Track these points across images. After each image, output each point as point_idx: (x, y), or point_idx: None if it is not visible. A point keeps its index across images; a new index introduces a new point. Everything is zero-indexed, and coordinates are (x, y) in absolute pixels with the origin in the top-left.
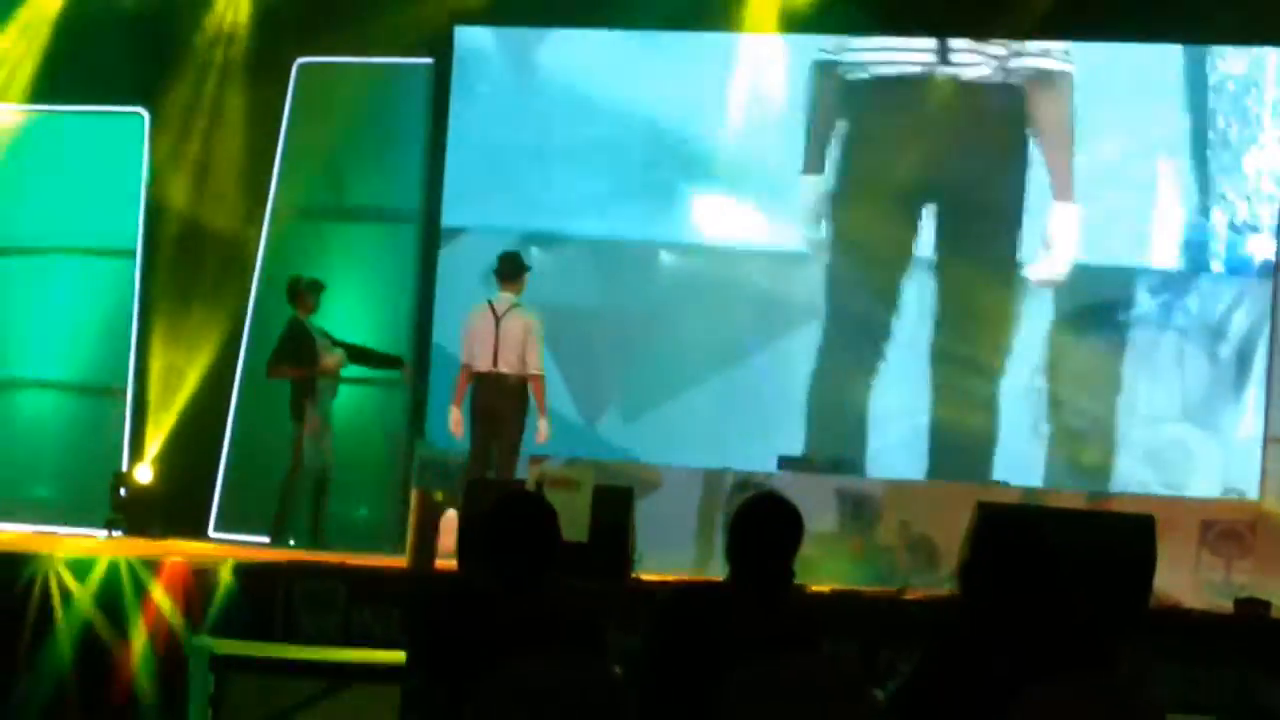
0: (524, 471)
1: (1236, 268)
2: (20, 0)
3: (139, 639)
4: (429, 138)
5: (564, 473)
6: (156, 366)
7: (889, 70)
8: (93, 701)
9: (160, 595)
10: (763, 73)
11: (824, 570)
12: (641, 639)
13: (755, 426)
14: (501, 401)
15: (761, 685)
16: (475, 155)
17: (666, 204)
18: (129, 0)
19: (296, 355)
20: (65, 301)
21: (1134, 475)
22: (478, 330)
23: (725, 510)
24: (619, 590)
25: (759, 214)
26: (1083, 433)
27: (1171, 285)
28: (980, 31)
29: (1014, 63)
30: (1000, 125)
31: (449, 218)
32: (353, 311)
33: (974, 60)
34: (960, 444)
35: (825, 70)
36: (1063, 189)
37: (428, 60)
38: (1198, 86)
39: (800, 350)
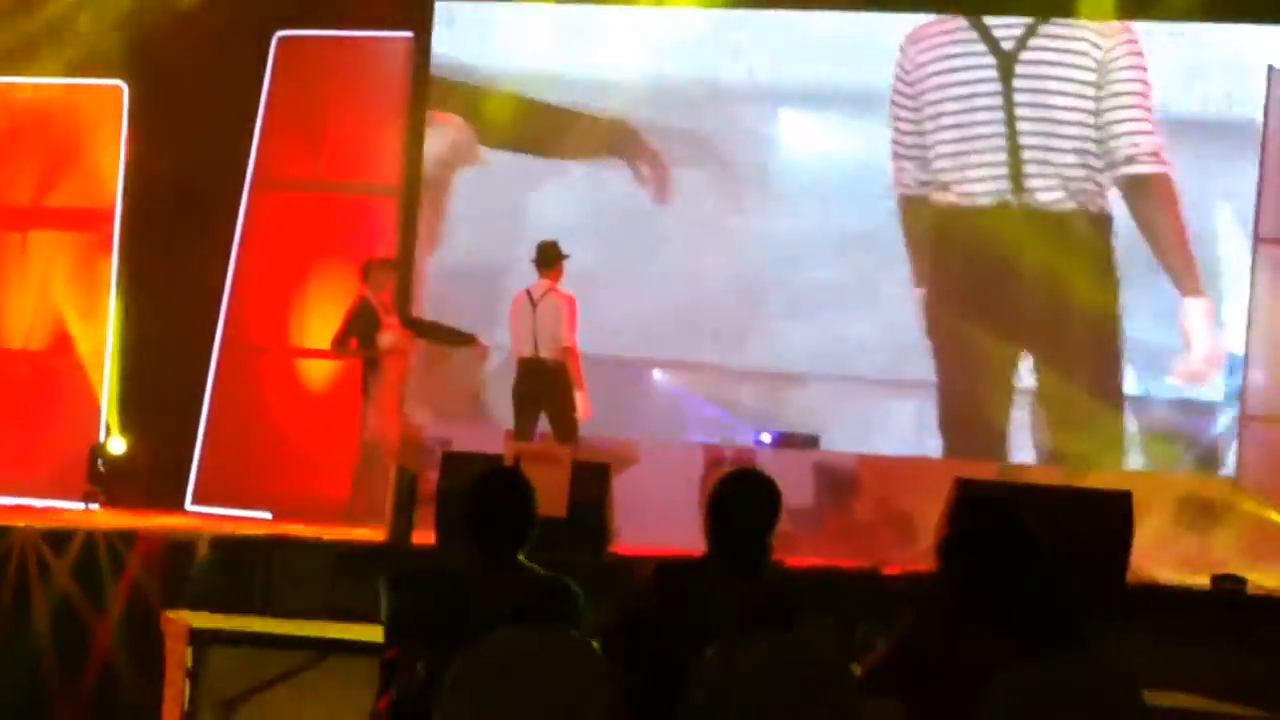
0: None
1: None
2: None
3: (116, 612)
4: (409, 111)
5: (542, 448)
6: (135, 338)
7: (967, 202)
8: (70, 674)
9: (137, 568)
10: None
11: (802, 546)
12: (619, 613)
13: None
14: (539, 384)
15: (738, 660)
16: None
17: None
18: None
19: (361, 333)
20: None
21: None
22: (516, 317)
23: (702, 486)
24: (597, 565)
25: None
26: None
27: None
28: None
29: (1102, 176)
30: (1081, 251)
31: None
32: (332, 284)
33: (1048, 185)
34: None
35: (907, 203)
36: (1189, 285)
37: (406, 34)
38: None
39: None
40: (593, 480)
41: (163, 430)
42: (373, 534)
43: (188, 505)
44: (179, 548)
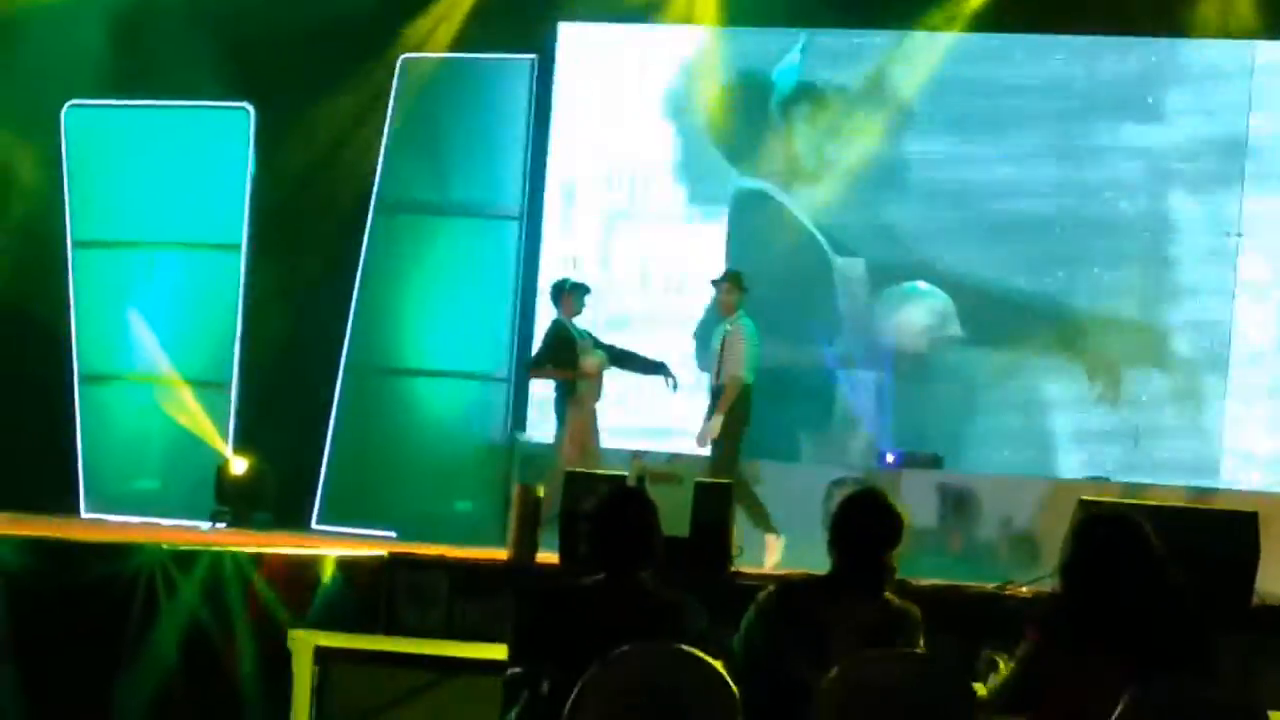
0: (628, 467)
1: None
2: None
3: (243, 631)
4: (531, 134)
5: (666, 468)
6: (262, 360)
7: None
8: (198, 694)
9: (263, 587)
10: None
11: (925, 566)
12: (742, 633)
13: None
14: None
15: (862, 680)
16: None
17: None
18: None
19: (558, 357)
20: (172, 296)
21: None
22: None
23: (824, 506)
24: (719, 584)
25: None
26: None
27: None
28: None
29: None
30: None
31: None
32: (454, 307)
33: None
34: None
35: None
36: None
37: (530, 56)
38: None
39: None
40: (716, 500)
41: (289, 450)
42: (496, 553)
43: (313, 524)
44: (304, 567)
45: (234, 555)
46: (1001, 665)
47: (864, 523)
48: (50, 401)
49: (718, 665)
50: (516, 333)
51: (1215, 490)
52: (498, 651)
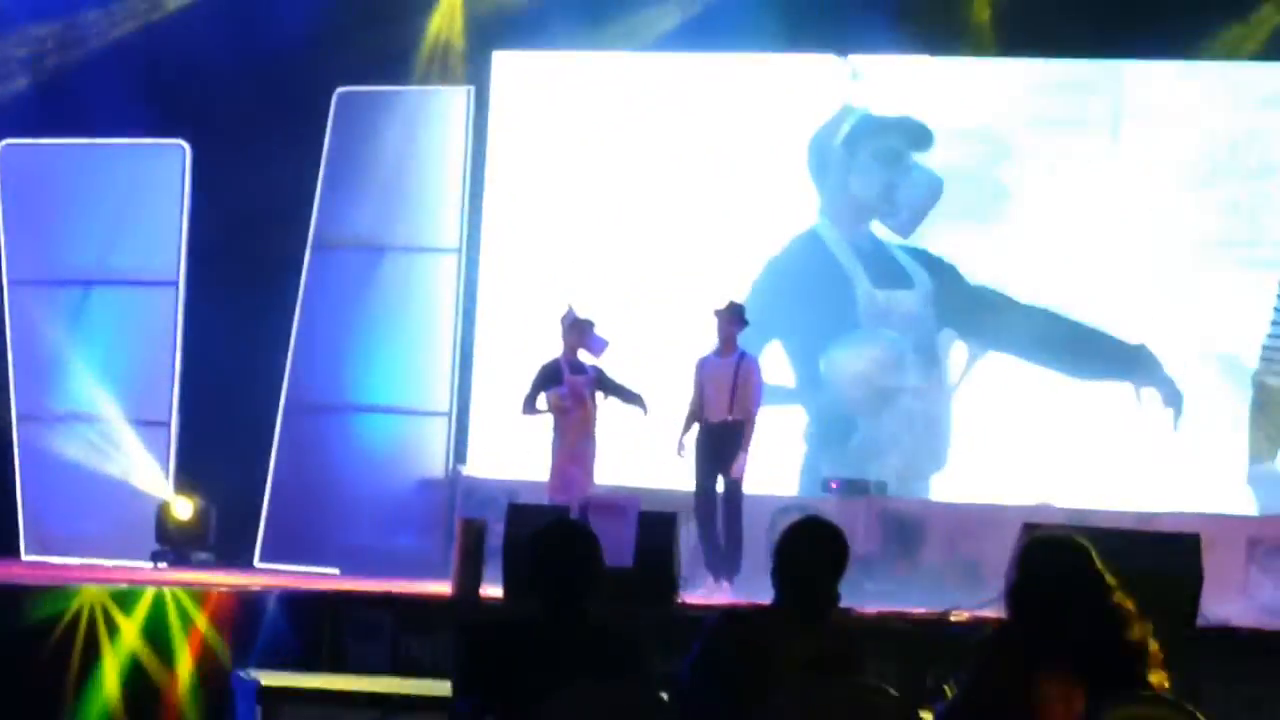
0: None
1: None
2: None
3: (185, 670)
4: (469, 165)
5: (609, 498)
6: (201, 397)
7: None
8: None
9: (206, 626)
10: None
11: (869, 592)
12: (687, 663)
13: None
14: (727, 445)
15: (805, 706)
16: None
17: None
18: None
19: (534, 393)
20: (109, 334)
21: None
22: (714, 381)
23: (770, 534)
24: (665, 614)
25: None
26: None
27: None
28: None
29: None
30: None
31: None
32: (394, 341)
33: None
34: None
35: None
36: None
37: (467, 87)
38: None
39: None
40: (660, 530)
41: (230, 488)
42: (440, 588)
43: (256, 562)
44: (247, 605)
45: (176, 595)
46: (947, 691)
47: (808, 551)
48: None
49: (662, 697)
50: (457, 366)
51: (1158, 514)
52: (443, 688)
